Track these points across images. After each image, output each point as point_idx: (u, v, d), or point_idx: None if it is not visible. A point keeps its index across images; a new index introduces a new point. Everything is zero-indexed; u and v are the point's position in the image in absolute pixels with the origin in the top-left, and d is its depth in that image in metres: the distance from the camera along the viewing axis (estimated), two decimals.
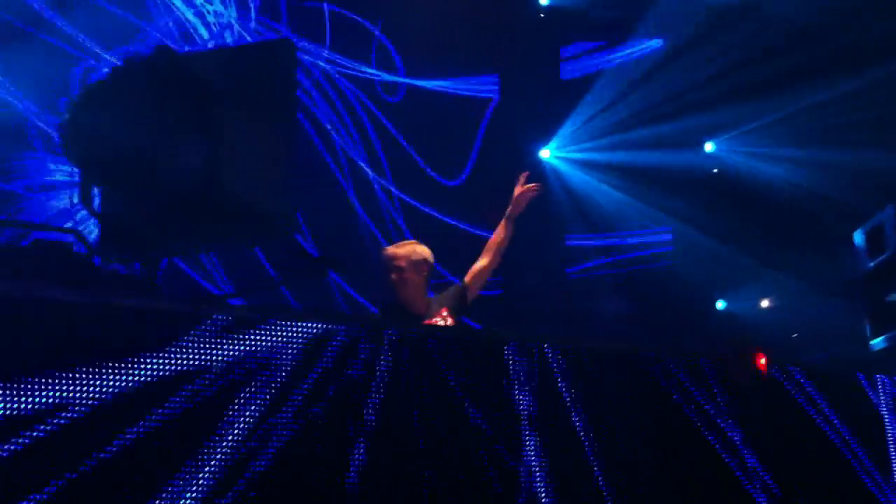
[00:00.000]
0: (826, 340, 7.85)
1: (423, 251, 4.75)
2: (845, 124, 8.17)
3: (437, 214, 8.28)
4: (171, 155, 2.84)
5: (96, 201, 3.06)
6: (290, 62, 3.08)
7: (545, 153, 9.02)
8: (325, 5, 7.79)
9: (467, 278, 4.88)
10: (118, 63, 3.41)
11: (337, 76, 8.06)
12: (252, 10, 7.15)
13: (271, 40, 2.83)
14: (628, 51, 8.90)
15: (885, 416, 3.67)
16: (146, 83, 2.95)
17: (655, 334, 8.29)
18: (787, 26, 8.19)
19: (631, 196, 8.90)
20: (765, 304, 9.10)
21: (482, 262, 4.90)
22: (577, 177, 9.02)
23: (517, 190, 4.95)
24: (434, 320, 4.62)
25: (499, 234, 4.93)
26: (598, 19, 8.77)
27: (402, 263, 4.64)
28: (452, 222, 8.25)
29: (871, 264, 6.17)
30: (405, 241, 5.01)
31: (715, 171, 9.35)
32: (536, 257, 8.57)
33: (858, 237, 6.36)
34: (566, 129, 8.96)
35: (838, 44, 7.93)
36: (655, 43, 8.79)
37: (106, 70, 3.25)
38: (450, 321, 4.64)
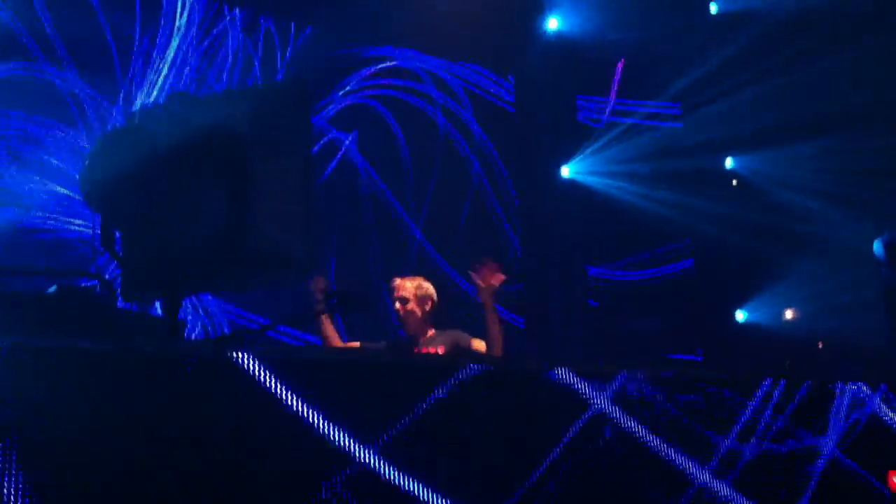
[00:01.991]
0: (852, 351, 7.81)
1: (428, 287, 5.00)
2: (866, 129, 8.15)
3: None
4: (193, 198, 2.86)
5: (117, 245, 3.09)
6: (305, 102, 3.10)
7: (565, 171, 9.01)
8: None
9: (475, 345, 4.78)
10: (135, 108, 3.46)
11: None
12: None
13: (286, 81, 2.87)
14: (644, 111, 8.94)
15: None
16: (165, 127, 2.99)
17: (679, 349, 8.26)
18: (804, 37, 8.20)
19: (652, 207, 8.86)
20: (789, 315, 9.04)
21: (480, 345, 4.77)
22: (598, 192, 8.99)
23: (479, 282, 4.67)
24: (427, 349, 4.76)
25: (489, 330, 4.73)
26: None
27: (408, 295, 4.85)
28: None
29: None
30: (414, 277, 5.12)
31: (734, 182, 9.33)
32: (558, 284, 8.56)
33: (877, 247, 6.33)
34: (586, 147, 8.96)
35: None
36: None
37: (124, 116, 3.29)
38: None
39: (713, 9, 8.87)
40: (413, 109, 8.16)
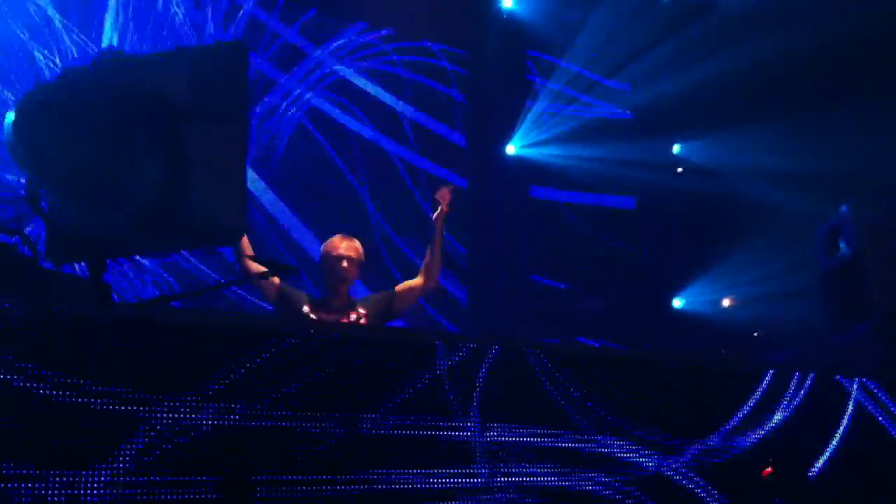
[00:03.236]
0: (789, 339, 7.94)
1: (324, 244, 4.94)
2: (811, 126, 8.26)
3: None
4: (123, 163, 2.80)
5: (43, 203, 3.02)
6: (243, 65, 3.04)
7: (510, 149, 9.04)
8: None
9: (398, 288, 5.00)
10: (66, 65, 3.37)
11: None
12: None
13: (224, 42, 2.80)
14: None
15: None
16: (97, 86, 2.92)
17: (620, 333, 8.34)
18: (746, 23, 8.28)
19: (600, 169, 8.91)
20: (726, 303, 9.17)
21: (416, 280, 5.01)
22: (544, 165, 9.03)
23: (440, 201, 5.00)
24: (350, 318, 4.75)
25: (429, 255, 5.01)
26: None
27: (355, 256, 4.82)
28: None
29: (832, 262, 6.27)
30: (349, 236, 5.03)
31: (679, 169, 9.43)
32: (503, 259, 8.60)
33: (820, 234, 6.45)
34: (528, 123, 8.99)
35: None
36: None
37: (54, 72, 3.21)
38: (363, 321, 4.75)
39: None
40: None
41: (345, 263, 4.82)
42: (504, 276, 8.59)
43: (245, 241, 4.56)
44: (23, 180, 2.92)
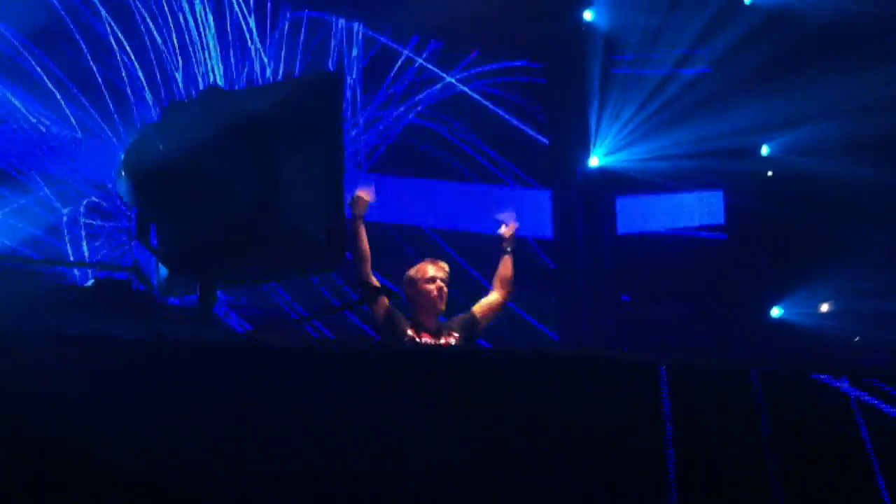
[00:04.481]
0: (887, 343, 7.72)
1: (410, 271, 5.02)
2: None
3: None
4: (226, 188, 2.90)
5: (152, 238, 3.14)
6: (337, 95, 3.13)
7: (594, 160, 9.00)
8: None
9: (476, 309, 5.07)
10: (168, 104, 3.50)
11: None
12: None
13: (317, 74, 2.89)
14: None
15: None
16: (200, 118, 3.03)
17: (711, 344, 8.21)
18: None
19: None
20: (825, 308, 8.91)
21: (494, 297, 5.10)
22: (627, 172, 8.95)
23: (503, 231, 5.15)
24: (447, 341, 4.86)
25: (504, 268, 5.11)
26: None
27: (446, 277, 4.94)
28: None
29: None
30: (436, 259, 5.15)
31: (770, 173, 9.22)
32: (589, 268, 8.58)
33: None
34: (610, 133, 8.94)
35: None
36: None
37: (158, 111, 3.34)
38: (452, 341, 4.86)
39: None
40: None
41: (440, 285, 4.91)
42: (587, 288, 8.58)
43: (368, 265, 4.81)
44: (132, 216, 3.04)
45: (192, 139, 2.99)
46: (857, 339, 8.34)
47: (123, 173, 2.95)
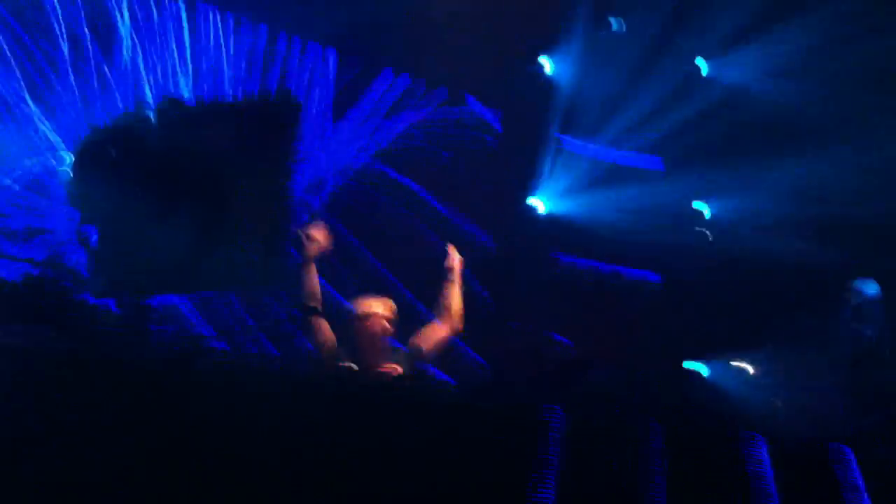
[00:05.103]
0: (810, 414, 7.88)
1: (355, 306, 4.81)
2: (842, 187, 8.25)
3: None
4: (169, 207, 2.93)
5: (92, 238, 3.14)
6: (292, 120, 3.18)
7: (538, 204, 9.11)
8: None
9: (416, 340, 4.83)
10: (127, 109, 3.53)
11: None
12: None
13: (276, 98, 2.94)
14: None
15: None
16: (153, 130, 3.06)
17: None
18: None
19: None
20: (749, 370, 9.07)
21: (441, 328, 4.89)
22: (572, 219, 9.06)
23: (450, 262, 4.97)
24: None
25: (449, 298, 4.92)
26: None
27: (392, 316, 4.76)
28: None
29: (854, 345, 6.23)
30: (374, 296, 4.96)
31: (707, 233, 9.41)
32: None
33: (846, 312, 6.42)
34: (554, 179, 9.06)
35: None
36: None
37: (113, 116, 3.36)
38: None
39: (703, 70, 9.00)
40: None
41: (386, 325, 4.74)
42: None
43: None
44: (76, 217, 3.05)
45: (144, 150, 3.01)
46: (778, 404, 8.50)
47: (72, 175, 2.96)
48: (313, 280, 4.47)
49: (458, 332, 4.94)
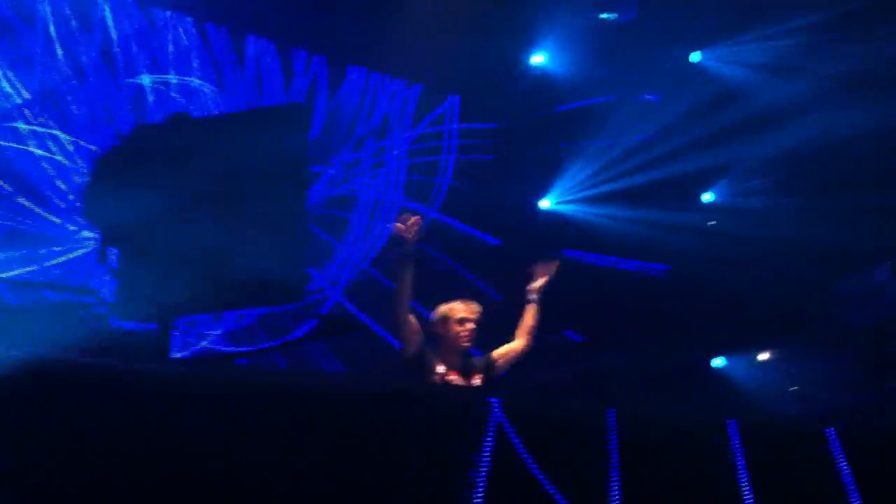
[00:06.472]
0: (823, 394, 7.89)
1: (442, 308, 4.95)
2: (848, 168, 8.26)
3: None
4: (187, 221, 2.92)
5: (113, 260, 3.13)
6: (303, 127, 3.17)
7: (545, 203, 9.11)
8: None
9: (496, 353, 5.05)
10: (136, 126, 3.51)
11: None
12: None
13: (285, 105, 2.90)
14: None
15: None
16: (166, 150, 3.05)
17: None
18: None
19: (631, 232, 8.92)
20: (762, 357, 9.06)
21: (516, 344, 5.11)
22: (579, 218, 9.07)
23: (536, 275, 5.19)
24: (475, 381, 4.89)
25: (528, 320, 5.15)
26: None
27: (478, 318, 4.89)
28: None
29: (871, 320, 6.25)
30: (468, 300, 5.09)
31: (712, 222, 9.40)
32: None
33: (856, 288, 6.43)
34: (565, 178, 9.06)
35: None
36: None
37: (124, 134, 3.35)
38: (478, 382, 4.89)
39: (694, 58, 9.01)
40: None
41: (472, 326, 4.90)
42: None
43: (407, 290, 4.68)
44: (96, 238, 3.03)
45: (158, 171, 3.00)
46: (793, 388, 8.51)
47: (88, 196, 2.95)
48: (409, 287, 4.68)
49: (528, 349, 5.16)
